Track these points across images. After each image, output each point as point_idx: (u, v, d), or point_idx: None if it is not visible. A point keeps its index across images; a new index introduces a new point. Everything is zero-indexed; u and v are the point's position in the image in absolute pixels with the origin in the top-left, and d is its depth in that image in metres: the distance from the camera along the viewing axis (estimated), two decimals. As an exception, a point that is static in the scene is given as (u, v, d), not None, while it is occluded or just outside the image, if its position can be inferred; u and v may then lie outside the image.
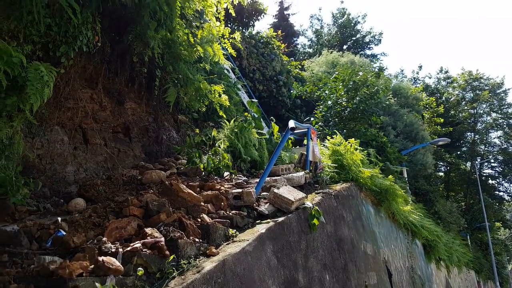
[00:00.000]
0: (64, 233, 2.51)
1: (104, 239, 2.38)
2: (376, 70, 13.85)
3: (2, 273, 1.84)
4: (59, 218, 2.79)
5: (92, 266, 1.94)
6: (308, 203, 4.18)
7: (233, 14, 6.22)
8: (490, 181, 33.83)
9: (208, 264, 2.38)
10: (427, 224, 10.14)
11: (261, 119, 8.75)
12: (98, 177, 4.22)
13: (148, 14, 4.79)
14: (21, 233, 2.51)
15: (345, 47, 29.85)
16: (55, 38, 3.73)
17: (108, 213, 2.97)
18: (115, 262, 1.96)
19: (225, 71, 9.73)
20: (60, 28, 3.71)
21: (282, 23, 24.76)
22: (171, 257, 2.28)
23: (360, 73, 11.99)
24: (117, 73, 5.20)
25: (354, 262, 5.14)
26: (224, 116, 7.05)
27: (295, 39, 27.37)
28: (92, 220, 2.80)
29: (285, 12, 26.00)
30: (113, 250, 2.21)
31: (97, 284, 1.75)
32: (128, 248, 2.20)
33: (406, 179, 13.46)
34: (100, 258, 1.92)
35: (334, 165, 6.15)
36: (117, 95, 5.36)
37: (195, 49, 5.89)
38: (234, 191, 4.01)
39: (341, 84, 11.92)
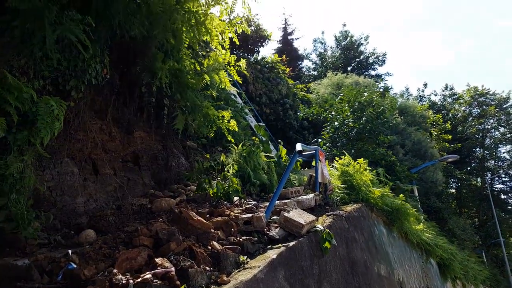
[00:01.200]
0: (75, 266, 2.50)
1: (115, 270, 2.36)
2: (381, 90, 13.94)
3: (14, 308, 1.83)
4: (70, 251, 2.79)
5: (103, 299, 1.93)
6: (319, 226, 4.12)
7: (238, 43, 6.38)
8: (502, 196, 33.14)
9: (220, 293, 2.34)
10: (441, 243, 9.90)
11: (269, 142, 8.81)
12: (108, 207, 4.24)
13: (155, 46, 4.94)
14: (32, 267, 2.50)
15: (349, 68, 30.18)
16: (65, 72, 3.85)
17: (118, 244, 2.96)
18: (126, 295, 1.94)
19: (232, 96, 9.87)
20: (69, 63, 3.83)
21: (287, 47, 25.26)
22: (182, 287, 2.25)
23: (366, 94, 12.07)
24: (126, 103, 5.31)
25: (369, 285, 5.01)
26: (233, 140, 7.10)
27: (299, 62, 27.84)
28: (102, 251, 2.80)
29: (289, 37, 26.58)
30: (123, 282, 2.19)
31: (109, 318, 1.74)
32: (139, 280, 2.18)
33: (417, 197, 13.26)
34: (111, 291, 1.91)
35: (344, 186, 6.11)
36: (126, 125, 5.44)
37: (202, 77, 6.02)
38: (244, 216, 3.99)
39: (347, 105, 12.00)
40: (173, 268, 2.35)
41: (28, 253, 2.92)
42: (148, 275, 2.22)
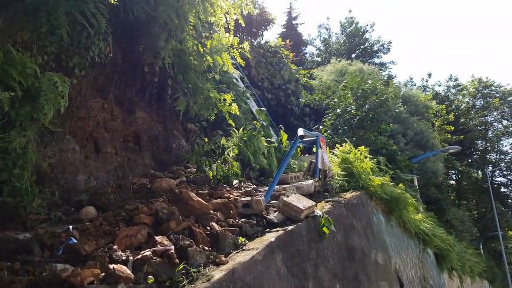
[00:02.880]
0: (76, 241, 2.53)
1: (115, 247, 2.40)
2: (385, 78, 13.81)
3: (15, 280, 1.86)
4: (71, 226, 2.82)
5: (103, 274, 1.96)
6: (318, 212, 4.15)
7: (243, 24, 6.30)
8: (502, 189, 33.20)
9: (218, 273, 2.37)
10: (438, 233, 9.96)
11: (270, 128, 8.78)
12: (109, 186, 4.26)
13: (159, 25, 4.88)
14: (33, 241, 2.54)
15: (353, 55, 29.82)
16: (68, 49, 3.82)
17: (118, 221, 2.99)
18: (126, 270, 1.97)
19: (234, 80, 9.80)
20: (72, 39, 3.80)
21: (291, 32, 24.92)
22: (181, 266, 2.29)
23: (369, 81, 11.96)
24: (128, 83, 5.29)
25: (365, 272, 5.07)
26: (233, 124, 7.08)
27: (303, 48, 27.53)
28: (103, 228, 2.83)
29: (294, 22, 26.19)
30: (123, 258, 2.23)
31: (108, 292, 1.77)
32: (139, 256, 2.21)
33: (417, 187, 13.29)
34: (111, 266, 1.94)
35: (344, 173, 6.11)
36: (128, 104, 5.43)
37: (204, 58, 5.96)
38: (243, 199, 4.02)
39: (350, 92, 11.90)
40: (172, 247, 2.38)
41: (29, 228, 2.96)
42: (147, 252, 2.25)
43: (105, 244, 2.54)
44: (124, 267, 2.01)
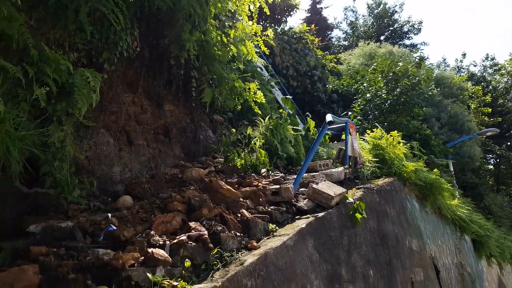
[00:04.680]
0: (115, 228, 2.65)
1: (152, 232, 2.49)
2: (417, 60, 13.29)
3: (61, 265, 1.97)
4: (109, 214, 2.95)
5: (143, 257, 2.04)
6: (349, 198, 4.10)
7: (268, 13, 6.24)
8: (544, 173, 31.36)
9: (250, 257, 2.41)
10: (476, 219, 9.60)
11: (296, 116, 8.72)
12: (143, 176, 4.40)
13: (182, 17, 4.92)
14: (76, 228, 2.68)
15: (382, 38, 28.89)
16: (97, 45, 3.94)
17: (154, 209, 3.10)
18: (164, 254, 2.05)
19: (258, 69, 9.78)
20: (101, 35, 3.91)
21: (315, 17, 24.43)
22: (215, 250, 2.34)
23: (400, 64, 11.55)
24: (155, 76, 5.40)
25: (399, 258, 4.99)
26: (260, 112, 7.09)
27: (329, 32, 26.93)
28: (139, 215, 2.94)
29: (318, 6, 25.64)
30: (160, 242, 2.31)
31: (148, 274, 1.84)
32: (175, 241, 2.29)
33: (453, 172, 12.83)
34: (150, 250, 2.02)
35: (375, 159, 5.99)
36: (156, 97, 5.55)
37: (228, 48, 5.97)
38: (272, 187, 4.03)
39: (380, 75, 11.55)
40: (206, 232, 2.44)
41: (70, 217, 3.13)
42: (183, 237, 2.33)
43: (143, 230, 2.64)
44: (162, 251, 2.09)
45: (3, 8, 2.74)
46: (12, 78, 2.90)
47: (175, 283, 1.91)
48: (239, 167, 5.29)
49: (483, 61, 32.68)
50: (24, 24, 2.99)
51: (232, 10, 5.92)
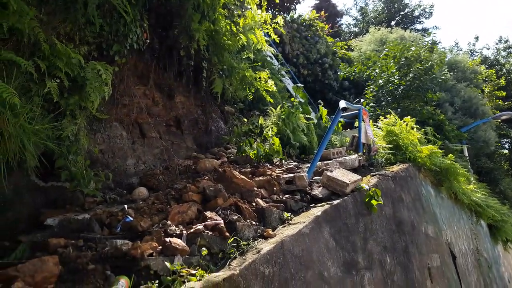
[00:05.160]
0: (132, 218, 2.67)
1: (168, 222, 2.50)
2: (429, 44, 13.00)
3: (80, 256, 1.99)
4: (126, 206, 2.97)
5: (160, 247, 2.05)
6: (364, 185, 4.06)
7: (277, 0, 6.14)
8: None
9: (267, 245, 2.40)
10: (492, 204, 9.46)
11: (308, 104, 8.63)
12: (157, 168, 4.42)
13: (191, 6, 4.88)
14: (93, 220, 2.71)
15: (393, 23, 28.34)
16: (108, 37, 3.93)
17: (169, 200, 3.12)
18: (181, 243, 2.05)
19: (268, 58, 9.68)
20: (111, 28, 3.90)
21: (324, 4, 24.02)
22: (232, 239, 2.34)
23: (413, 48, 11.32)
24: (166, 68, 5.38)
25: (415, 244, 4.95)
26: (272, 101, 7.03)
27: (338, 19, 26.47)
28: (155, 206, 2.96)
29: (327, -8, 25.17)
30: (177, 232, 2.32)
31: (167, 263, 1.85)
32: (191, 230, 2.30)
33: (467, 157, 12.63)
34: (167, 239, 2.02)
35: (389, 146, 5.91)
36: (167, 89, 5.55)
37: (238, 37, 5.91)
38: (285, 176, 4.01)
39: (392, 61, 11.36)
40: (222, 221, 2.44)
41: (87, 209, 3.15)
42: (200, 226, 2.33)
43: (159, 220, 2.66)
44: (179, 240, 2.10)
45: (13, 3, 2.73)
46: (24, 72, 2.92)
47: (193, 272, 1.91)
48: (252, 157, 5.28)
49: (496, 44, 31.91)
50: (34, 18, 2.98)
51: (240, -2, 5.85)
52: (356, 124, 6.38)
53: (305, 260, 2.66)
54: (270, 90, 6.76)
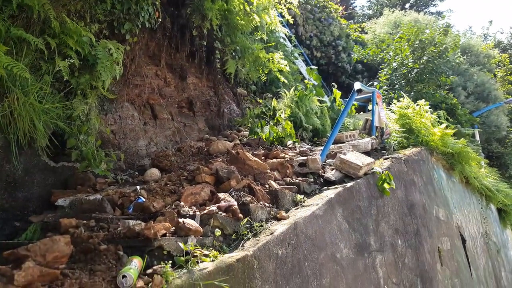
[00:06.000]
0: (144, 199, 2.66)
1: (181, 203, 2.49)
2: (443, 27, 12.63)
3: (92, 236, 1.98)
4: (138, 187, 2.96)
5: (174, 228, 2.03)
6: (377, 168, 4.00)
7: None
8: None
9: (280, 227, 2.38)
10: (502, 188, 9.36)
11: (321, 87, 8.48)
12: (169, 150, 4.40)
13: (203, -16, 4.76)
14: (105, 200, 2.69)
15: (407, 5, 27.48)
16: (119, 16, 3.85)
17: (182, 181, 3.09)
18: (195, 224, 2.03)
19: (281, 40, 9.48)
20: (122, 6, 3.82)
21: (338, -15, 23.36)
22: (245, 220, 2.32)
23: (427, 31, 11.01)
24: (178, 48, 5.29)
25: (426, 227, 4.92)
26: (286, 82, 6.92)
27: (352, 1, 25.80)
28: (168, 187, 2.94)
29: (340, -27, 24.46)
30: (190, 213, 2.30)
31: (180, 244, 1.83)
32: (205, 211, 2.28)
33: (479, 142, 12.46)
34: (181, 220, 2.00)
35: (402, 129, 5.82)
36: (179, 70, 5.48)
37: (251, 17, 5.78)
38: (298, 158, 3.96)
39: (406, 44, 11.08)
40: (235, 202, 2.42)
41: (98, 190, 3.14)
42: (213, 208, 2.31)
43: (172, 201, 2.64)
44: (193, 221, 2.08)
45: (23, -21, 2.68)
46: (34, 50, 2.88)
47: (207, 252, 1.90)
48: (264, 139, 5.23)
49: (511, 28, 30.85)
50: (44, -6, 2.93)
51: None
52: (369, 107, 6.25)
53: (318, 241, 2.64)
54: (284, 70, 6.64)
